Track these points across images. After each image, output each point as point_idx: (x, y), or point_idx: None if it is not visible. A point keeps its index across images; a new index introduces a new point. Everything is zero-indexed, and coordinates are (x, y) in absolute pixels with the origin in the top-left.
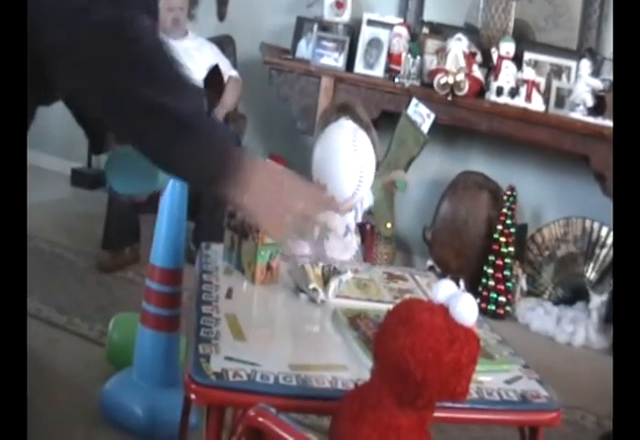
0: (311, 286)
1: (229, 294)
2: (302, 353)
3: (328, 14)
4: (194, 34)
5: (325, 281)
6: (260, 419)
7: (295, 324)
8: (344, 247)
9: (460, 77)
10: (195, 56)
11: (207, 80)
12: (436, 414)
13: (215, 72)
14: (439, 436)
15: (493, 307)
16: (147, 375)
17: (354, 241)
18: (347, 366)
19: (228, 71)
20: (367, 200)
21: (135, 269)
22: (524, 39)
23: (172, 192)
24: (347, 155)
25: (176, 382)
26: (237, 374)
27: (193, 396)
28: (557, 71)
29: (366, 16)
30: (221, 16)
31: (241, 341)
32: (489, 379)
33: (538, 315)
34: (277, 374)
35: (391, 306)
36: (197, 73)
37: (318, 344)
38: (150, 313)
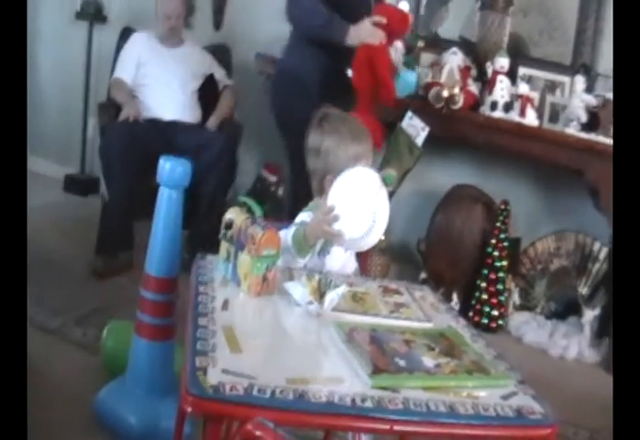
0: (307, 299)
1: (225, 306)
2: (298, 366)
3: None
4: (191, 42)
5: (322, 294)
6: (258, 432)
7: (292, 337)
8: (344, 263)
9: (455, 91)
10: (191, 65)
11: (203, 88)
12: (432, 430)
13: (210, 81)
14: None
15: (486, 320)
16: (141, 383)
17: (353, 257)
18: (344, 379)
19: (224, 79)
20: None
21: (128, 276)
22: (519, 54)
23: (168, 201)
24: (367, 203)
25: (170, 391)
26: (234, 387)
27: (189, 408)
28: (552, 87)
29: None
30: (217, 24)
31: (238, 353)
32: (484, 394)
33: (531, 329)
34: (274, 388)
35: (386, 320)
36: (193, 82)
37: (314, 357)
38: (145, 323)
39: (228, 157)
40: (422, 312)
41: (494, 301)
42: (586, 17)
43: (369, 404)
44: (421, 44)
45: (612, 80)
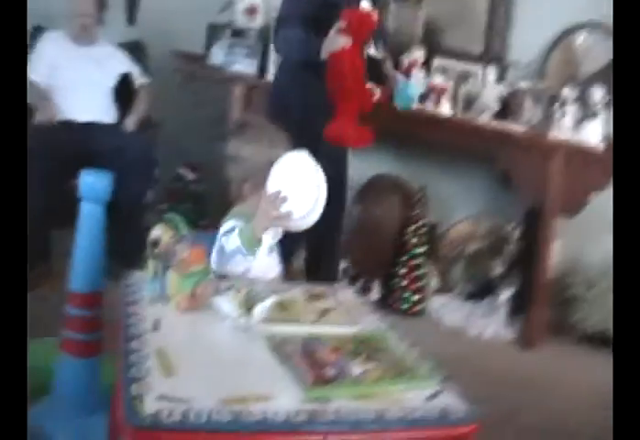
0: (236, 313)
1: (156, 326)
2: (232, 384)
3: (241, 19)
4: (104, 40)
5: (250, 308)
6: None
7: (223, 354)
8: (268, 266)
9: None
10: (105, 64)
11: (118, 88)
12: (361, 437)
13: (125, 80)
14: None
15: (407, 306)
16: (68, 401)
17: (277, 259)
18: (278, 394)
19: (139, 78)
20: None
21: (48, 287)
22: (433, 46)
23: (90, 216)
24: (310, 181)
25: (98, 408)
26: (171, 414)
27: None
28: (465, 77)
29: None
30: (131, 20)
31: (172, 377)
32: (410, 396)
33: (450, 311)
34: (210, 410)
35: (314, 328)
36: (107, 82)
37: (248, 373)
38: (71, 339)
39: (147, 158)
40: (347, 315)
41: (414, 286)
42: (495, 10)
43: (301, 418)
44: None
45: (520, 69)
